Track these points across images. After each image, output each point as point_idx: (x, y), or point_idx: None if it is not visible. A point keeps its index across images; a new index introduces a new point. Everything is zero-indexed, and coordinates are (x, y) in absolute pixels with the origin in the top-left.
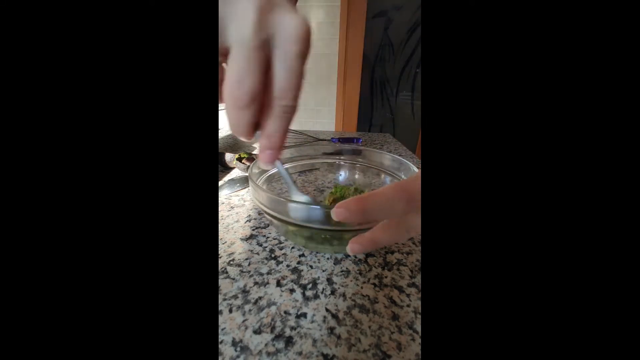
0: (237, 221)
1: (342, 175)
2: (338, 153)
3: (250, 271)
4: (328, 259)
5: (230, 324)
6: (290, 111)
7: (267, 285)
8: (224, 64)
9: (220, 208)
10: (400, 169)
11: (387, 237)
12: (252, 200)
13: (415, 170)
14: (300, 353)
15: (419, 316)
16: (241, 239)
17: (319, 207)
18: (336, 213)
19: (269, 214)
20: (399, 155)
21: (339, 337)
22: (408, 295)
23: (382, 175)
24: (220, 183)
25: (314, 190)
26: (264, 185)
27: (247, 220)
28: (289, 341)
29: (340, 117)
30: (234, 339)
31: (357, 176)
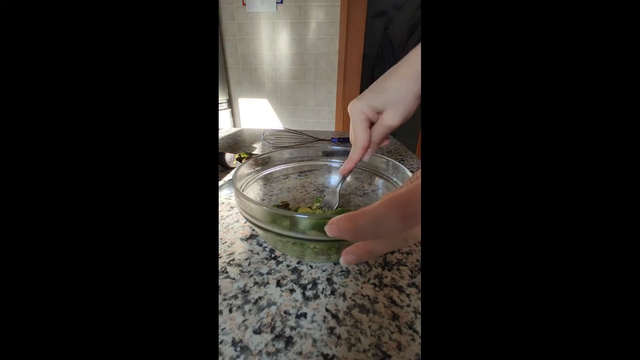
0: (237, 221)
1: (337, 179)
2: (334, 155)
3: (250, 271)
4: None
5: (230, 324)
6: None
7: (267, 285)
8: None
9: (220, 208)
10: (394, 173)
11: (383, 247)
12: (238, 210)
13: (409, 174)
14: (300, 353)
15: (419, 316)
16: (241, 239)
17: (306, 216)
18: (328, 229)
19: (257, 226)
20: (399, 155)
21: (339, 337)
22: (408, 295)
23: (376, 179)
24: (220, 183)
25: (314, 190)
26: (260, 183)
27: (247, 220)
28: (289, 341)
29: (340, 117)
30: (234, 339)
31: (349, 178)
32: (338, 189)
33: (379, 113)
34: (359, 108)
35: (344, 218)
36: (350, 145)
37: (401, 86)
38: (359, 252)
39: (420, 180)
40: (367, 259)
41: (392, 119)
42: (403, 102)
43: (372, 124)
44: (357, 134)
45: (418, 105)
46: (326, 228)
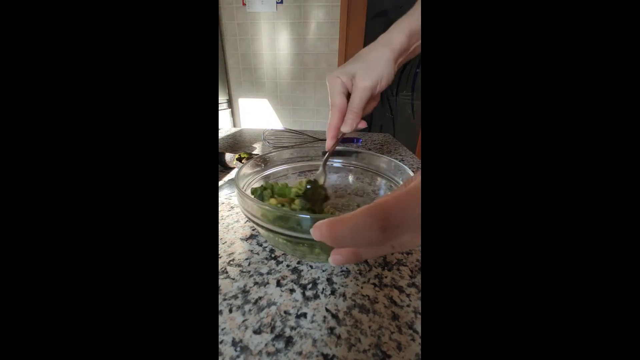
0: (237, 221)
1: (337, 178)
2: (334, 154)
3: (250, 271)
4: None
5: (230, 324)
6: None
7: (267, 285)
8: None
9: (220, 208)
10: (396, 173)
11: (370, 252)
12: (240, 209)
13: (411, 174)
14: (300, 353)
15: (419, 316)
16: (241, 239)
17: (302, 215)
18: (313, 233)
19: (257, 224)
20: (399, 155)
21: (339, 337)
22: (408, 295)
23: (378, 179)
24: (220, 183)
25: None
26: (261, 183)
27: (247, 220)
28: (289, 341)
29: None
30: (234, 339)
31: (351, 179)
32: (323, 162)
33: (353, 78)
34: (334, 75)
35: (326, 223)
36: (351, 144)
37: (374, 51)
38: (346, 254)
39: (407, 187)
40: (354, 261)
41: (362, 79)
42: (374, 64)
43: (349, 94)
44: (333, 98)
45: (394, 70)
46: (311, 231)
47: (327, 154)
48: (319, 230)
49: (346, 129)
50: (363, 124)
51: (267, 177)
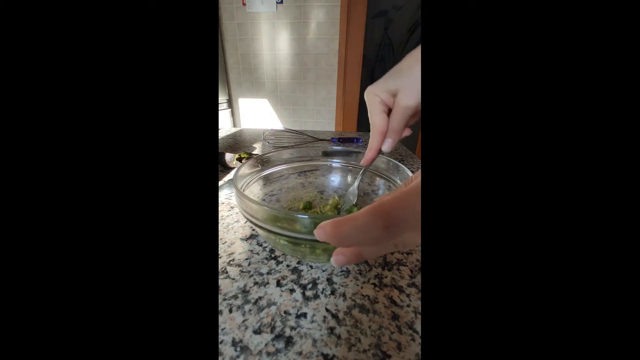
0: (237, 221)
1: (337, 179)
2: (334, 155)
3: (250, 271)
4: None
5: (230, 324)
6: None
7: (267, 285)
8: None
9: (220, 208)
10: (395, 173)
11: (372, 252)
12: (239, 210)
13: (410, 174)
14: (300, 353)
15: (419, 316)
16: (241, 239)
17: (307, 216)
18: (317, 233)
19: (257, 225)
20: (399, 155)
21: (339, 337)
22: (408, 295)
23: (378, 179)
24: (220, 183)
25: (314, 189)
26: (260, 183)
27: (247, 220)
28: (289, 341)
29: (340, 117)
30: (234, 339)
31: (350, 179)
32: (357, 184)
33: (394, 96)
34: (372, 92)
35: (330, 223)
36: (351, 144)
37: (416, 65)
38: (349, 254)
39: (409, 186)
40: (356, 261)
41: (406, 98)
42: (418, 81)
43: (390, 111)
44: (373, 119)
45: None
46: (315, 232)
47: (363, 170)
48: (323, 231)
49: (386, 149)
50: (407, 132)
51: (266, 177)
